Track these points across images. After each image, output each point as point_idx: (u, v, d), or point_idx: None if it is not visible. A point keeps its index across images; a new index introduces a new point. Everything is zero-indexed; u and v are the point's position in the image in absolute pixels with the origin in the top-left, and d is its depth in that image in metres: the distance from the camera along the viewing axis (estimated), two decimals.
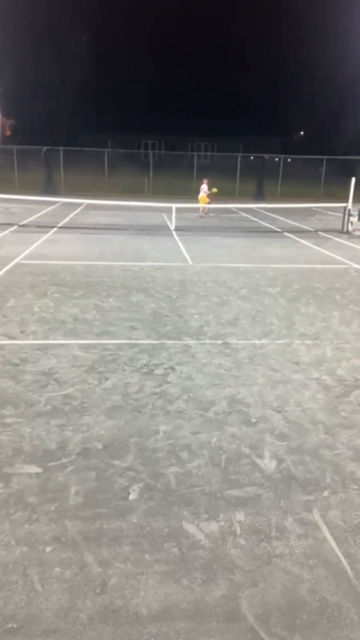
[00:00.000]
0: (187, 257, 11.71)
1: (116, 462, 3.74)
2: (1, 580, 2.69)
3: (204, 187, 19.61)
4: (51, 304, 7.64)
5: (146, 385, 5.02)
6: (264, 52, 56.26)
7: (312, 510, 3.30)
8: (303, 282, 9.64)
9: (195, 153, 36.23)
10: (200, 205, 19.84)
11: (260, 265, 11.13)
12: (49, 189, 27.31)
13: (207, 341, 6.29)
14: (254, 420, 4.41)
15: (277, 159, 33.81)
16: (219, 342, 6.28)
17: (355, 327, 7.03)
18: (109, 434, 4.11)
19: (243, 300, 8.27)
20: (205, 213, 20.67)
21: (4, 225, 15.76)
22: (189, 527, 3.11)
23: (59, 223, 17.02)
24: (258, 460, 3.81)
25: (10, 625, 2.44)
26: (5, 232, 14.58)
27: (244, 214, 22.38)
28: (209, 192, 19.53)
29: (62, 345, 6.00)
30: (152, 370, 5.37)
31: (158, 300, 8.07)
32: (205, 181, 19.77)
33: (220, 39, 60.14)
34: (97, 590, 2.65)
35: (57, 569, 2.77)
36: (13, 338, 6.18)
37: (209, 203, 19.76)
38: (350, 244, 14.90)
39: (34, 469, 3.62)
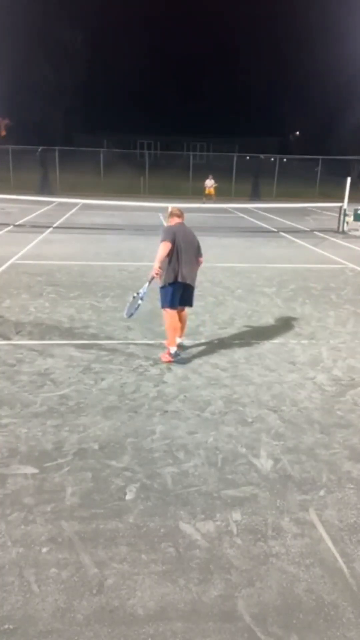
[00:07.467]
0: None
1: (112, 462, 3.74)
2: None
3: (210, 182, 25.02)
4: (47, 305, 7.62)
5: (142, 385, 5.01)
6: (260, 52, 56.37)
7: (308, 510, 3.31)
8: (299, 282, 9.66)
9: (191, 153, 36.24)
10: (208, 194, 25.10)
11: (256, 265, 11.14)
12: (45, 189, 27.27)
13: (203, 341, 6.29)
14: (250, 420, 4.41)
15: (272, 159, 33.89)
16: (215, 341, 6.28)
17: (351, 327, 7.05)
18: (105, 434, 4.11)
19: (239, 300, 8.28)
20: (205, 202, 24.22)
21: None
22: (186, 527, 3.11)
23: (54, 223, 16.99)
24: (254, 460, 3.82)
25: (6, 626, 2.43)
26: (1, 232, 14.54)
27: (240, 214, 22.40)
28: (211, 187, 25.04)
29: (58, 345, 5.99)
30: (149, 371, 5.36)
31: (154, 300, 8.04)
32: (210, 176, 25.18)
33: (217, 39, 60.20)
34: (94, 591, 2.64)
35: (53, 570, 2.76)
36: (9, 338, 6.17)
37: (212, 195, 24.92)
38: (346, 243, 14.94)
39: (30, 469, 3.62)
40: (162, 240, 5.32)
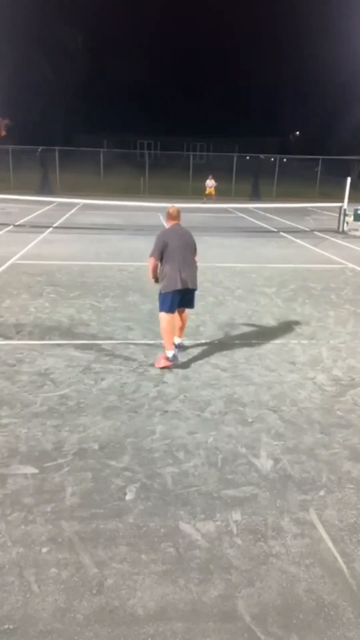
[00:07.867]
0: None
1: (112, 462, 3.74)
2: None
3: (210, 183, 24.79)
4: (47, 305, 7.63)
5: (142, 385, 5.01)
6: (260, 52, 56.35)
7: (308, 510, 3.31)
8: (299, 282, 9.66)
9: (191, 153, 36.24)
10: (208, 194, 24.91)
11: (256, 265, 11.14)
12: (45, 189, 27.28)
13: (203, 341, 6.29)
14: (250, 420, 4.41)
15: (272, 159, 33.89)
16: (215, 341, 6.28)
17: (351, 327, 7.05)
18: (105, 434, 4.11)
19: (239, 300, 8.28)
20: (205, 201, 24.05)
21: None
22: (186, 527, 3.11)
23: (54, 223, 16.99)
24: (254, 460, 3.82)
25: (6, 626, 2.43)
26: (1, 232, 14.54)
27: (240, 214, 22.41)
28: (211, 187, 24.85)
29: (58, 345, 5.99)
30: (149, 371, 5.36)
31: (154, 300, 8.03)
32: (210, 177, 24.92)
33: (216, 40, 60.19)
34: (94, 591, 2.64)
35: (53, 570, 2.76)
36: (9, 338, 6.17)
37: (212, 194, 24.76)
38: (346, 243, 14.94)
39: (30, 469, 3.62)
40: (150, 255, 5.34)
